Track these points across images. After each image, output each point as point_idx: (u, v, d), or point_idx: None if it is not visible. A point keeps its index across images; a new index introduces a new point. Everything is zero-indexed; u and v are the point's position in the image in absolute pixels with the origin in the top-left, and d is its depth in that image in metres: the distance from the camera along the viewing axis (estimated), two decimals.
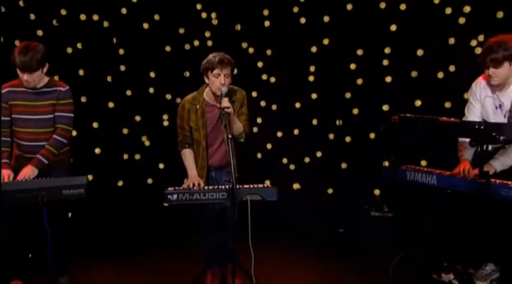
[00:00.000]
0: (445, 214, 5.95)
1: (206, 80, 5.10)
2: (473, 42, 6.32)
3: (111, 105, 7.32)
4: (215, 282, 5.48)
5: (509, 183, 4.83)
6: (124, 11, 7.19)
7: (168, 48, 7.40)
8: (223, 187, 4.97)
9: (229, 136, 4.84)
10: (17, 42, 5.24)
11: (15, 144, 5.23)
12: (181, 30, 7.38)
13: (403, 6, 6.74)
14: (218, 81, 5.00)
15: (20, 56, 4.93)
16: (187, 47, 7.40)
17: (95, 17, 7.11)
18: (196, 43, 7.41)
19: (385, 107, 6.96)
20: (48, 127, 5.15)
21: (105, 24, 7.16)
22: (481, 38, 6.25)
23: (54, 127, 5.18)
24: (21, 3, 6.72)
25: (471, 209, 5.36)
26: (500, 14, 6.17)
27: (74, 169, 5.58)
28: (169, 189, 4.87)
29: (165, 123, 7.41)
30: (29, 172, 5.06)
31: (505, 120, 5.14)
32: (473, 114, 5.36)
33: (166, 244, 6.88)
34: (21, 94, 5.12)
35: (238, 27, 7.41)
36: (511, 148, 5.11)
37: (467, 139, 5.17)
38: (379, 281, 5.57)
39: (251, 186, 4.95)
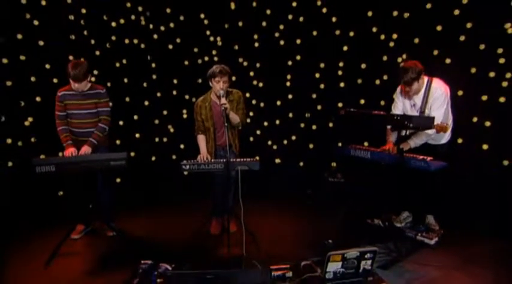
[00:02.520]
0: (376, 178, 6.23)
1: (210, 84, 5.34)
2: (399, 59, 6.42)
3: (146, 103, 7.47)
4: (217, 226, 5.80)
5: (417, 156, 5.13)
6: (155, 36, 7.37)
7: (186, 62, 7.56)
8: (221, 160, 5.21)
9: (226, 124, 5.11)
10: (82, 59, 5.40)
11: (70, 132, 5.52)
12: (196, 49, 7.55)
13: (351, 33, 6.89)
14: (218, 85, 5.25)
15: (72, 71, 5.24)
16: (199, 61, 7.56)
17: (135, 41, 7.26)
18: (206, 58, 7.58)
19: (340, 104, 7.06)
20: (93, 118, 5.41)
21: (142, 45, 7.32)
22: (404, 56, 6.37)
23: (97, 118, 5.45)
24: (85, 33, 6.83)
25: (393, 174, 5.66)
26: (416, 40, 6.28)
27: (111, 146, 5.85)
28: (184, 161, 5.11)
29: (184, 116, 7.58)
30: (86, 150, 5.39)
31: (417, 114, 5.41)
32: (397, 110, 5.60)
33: (185, 200, 7.02)
34: (73, 96, 5.39)
35: (236, 47, 7.57)
36: (421, 132, 5.37)
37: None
38: (332, 224, 5.77)
39: (241, 159, 5.16)
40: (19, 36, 6.43)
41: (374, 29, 6.71)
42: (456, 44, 5.99)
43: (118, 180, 7.13)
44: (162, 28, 7.42)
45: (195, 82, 7.53)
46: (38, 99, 6.55)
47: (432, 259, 4.95)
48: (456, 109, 5.42)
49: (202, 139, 5.53)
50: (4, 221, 6.02)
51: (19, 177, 6.36)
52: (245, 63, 7.61)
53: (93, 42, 6.96)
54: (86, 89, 5.41)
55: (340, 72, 7.13)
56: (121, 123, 7.16)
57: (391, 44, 6.58)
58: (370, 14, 6.72)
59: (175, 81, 7.61)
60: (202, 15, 7.51)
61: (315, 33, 7.17)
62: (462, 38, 5.93)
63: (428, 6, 6.14)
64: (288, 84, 7.49)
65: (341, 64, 7.07)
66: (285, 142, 7.64)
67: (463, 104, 5.81)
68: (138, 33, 7.30)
